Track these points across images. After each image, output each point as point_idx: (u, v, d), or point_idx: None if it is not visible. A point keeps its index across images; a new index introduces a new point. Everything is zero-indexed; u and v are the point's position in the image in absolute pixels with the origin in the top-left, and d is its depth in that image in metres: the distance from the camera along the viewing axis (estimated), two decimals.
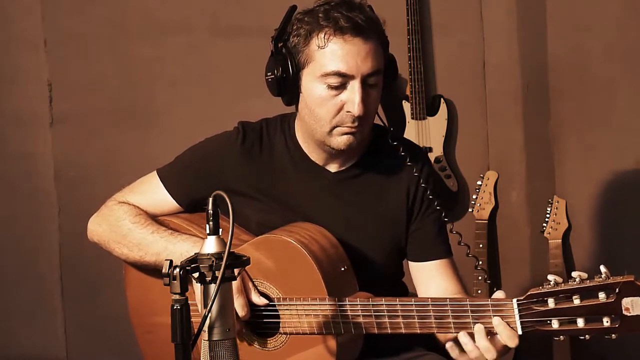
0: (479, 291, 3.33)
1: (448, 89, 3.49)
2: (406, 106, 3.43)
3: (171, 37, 3.63)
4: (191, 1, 3.63)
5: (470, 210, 3.44)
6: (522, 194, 3.48)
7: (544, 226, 3.38)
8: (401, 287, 2.33)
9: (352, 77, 2.03)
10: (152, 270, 2.20)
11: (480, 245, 3.38)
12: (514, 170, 3.47)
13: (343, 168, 2.20)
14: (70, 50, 3.71)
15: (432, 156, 3.43)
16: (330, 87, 2.04)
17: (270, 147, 2.21)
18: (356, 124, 2.06)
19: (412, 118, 3.42)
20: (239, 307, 2.03)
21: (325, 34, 2.02)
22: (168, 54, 3.65)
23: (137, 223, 2.21)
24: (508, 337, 1.88)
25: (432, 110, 3.45)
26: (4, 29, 3.74)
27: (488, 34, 3.45)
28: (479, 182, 3.43)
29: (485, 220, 3.42)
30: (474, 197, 3.43)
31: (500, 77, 3.45)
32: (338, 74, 2.03)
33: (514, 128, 3.45)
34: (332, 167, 2.20)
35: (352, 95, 2.04)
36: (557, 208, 3.37)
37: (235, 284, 1.97)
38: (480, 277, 3.34)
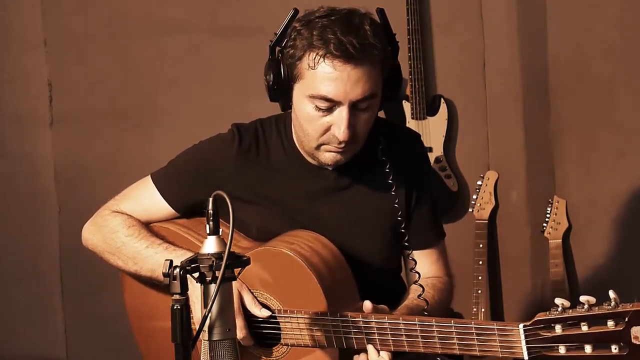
0: (479, 291, 3.32)
1: (448, 89, 3.48)
2: (406, 106, 3.43)
3: (171, 37, 3.62)
4: (191, 1, 3.63)
5: (470, 210, 3.44)
6: (522, 194, 3.47)
7: (544, 226, 3.38)
8: (401, 283, 2.33)
9: (339, 103, 1.99)
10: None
11: (480, 245, 3.38)
12: (514, 170, 3.47)
13: (341, 165, 2.14)
14: (71, 50, 3.71)
15: (432, 156, 3.43)
16: (318, 108, 2.00)
17: (267, 149, 2.18)
18: (343, 145, 2.03)
19: (412, 118, 3.42)
20: (237, 329, 2.00)
21: (316, 56, 1.96)
22: (168, 54, 3.64)
23: (131, 236, 2.17)
24: None
25: (432, 110, 3.45)
26: (4, 29, 3.74)
27: (488, 34, 3.44)
28: (479, 182, 3.43)
29: (485, 220, 3.41)
30: (474, 197, 3.43)
31: (500, 77, 3.45)
32: (325, 98, 1.98)
33: (514, 128, 3.45)
34: (330, 165, 2.15)
35: (339, 120, 2.00)
36: (557, 208, 3.37)
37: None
38: (480, 277, 3.34)
